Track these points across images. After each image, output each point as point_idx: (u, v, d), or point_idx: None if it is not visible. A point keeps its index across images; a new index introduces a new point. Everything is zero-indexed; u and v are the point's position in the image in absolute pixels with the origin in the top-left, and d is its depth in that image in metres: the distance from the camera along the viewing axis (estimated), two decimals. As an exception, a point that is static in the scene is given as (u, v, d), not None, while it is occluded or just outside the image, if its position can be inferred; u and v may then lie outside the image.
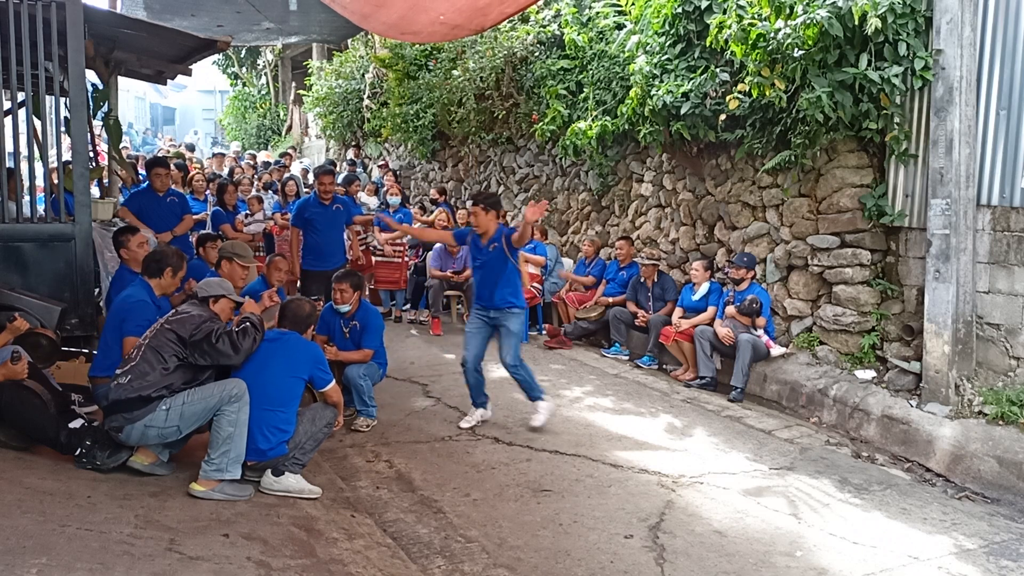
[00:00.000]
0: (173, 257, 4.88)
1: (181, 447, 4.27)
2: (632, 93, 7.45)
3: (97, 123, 8.56)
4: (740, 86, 6.31)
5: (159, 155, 13.23)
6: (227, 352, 4.06)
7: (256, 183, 11.72)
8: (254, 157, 16.11)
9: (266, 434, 4.12)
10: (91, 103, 7.49)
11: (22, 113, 6.48)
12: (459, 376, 7.01)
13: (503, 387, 6.71)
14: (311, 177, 13.02)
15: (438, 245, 9.00)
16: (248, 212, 9.46)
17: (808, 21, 5.56)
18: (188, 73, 9.39)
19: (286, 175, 12.31)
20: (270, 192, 11.21)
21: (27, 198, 5.89)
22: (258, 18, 10.43)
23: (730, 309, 6.78)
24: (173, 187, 7.73)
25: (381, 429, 5.58)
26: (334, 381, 4.53)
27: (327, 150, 16.98)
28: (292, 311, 4.57)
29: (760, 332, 6.63)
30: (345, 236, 7.66)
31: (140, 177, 9.04)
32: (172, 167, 8.61)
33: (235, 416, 4.00)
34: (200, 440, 4.21)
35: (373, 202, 11.28)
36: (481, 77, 10.34)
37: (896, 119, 5.78)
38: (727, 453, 5.32)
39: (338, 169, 13.25)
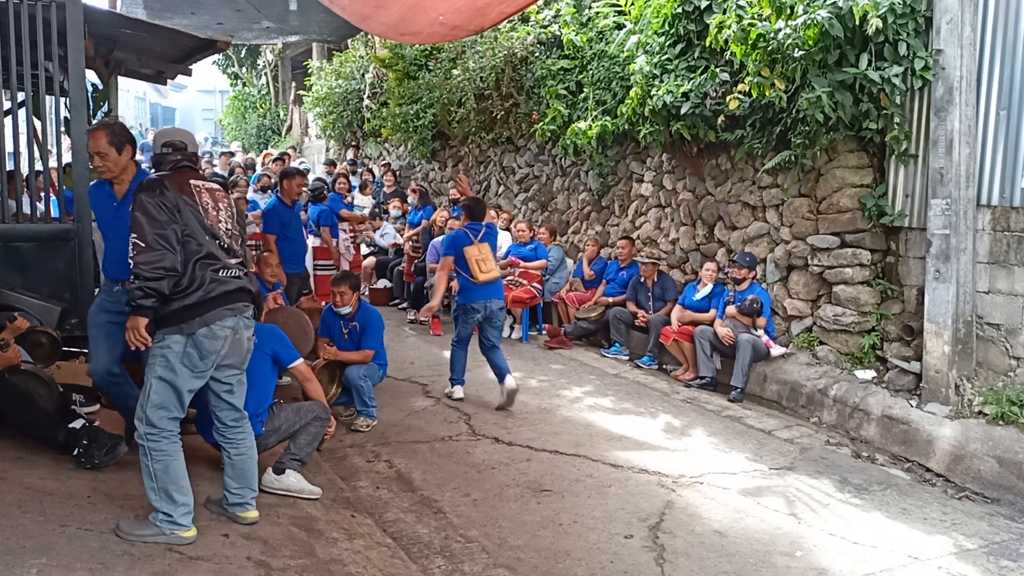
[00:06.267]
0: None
1: None
2: (632, 93, 7.45)
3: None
4: (740, 86, 6.31)
5: None
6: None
7: (254, 185, 11.67)
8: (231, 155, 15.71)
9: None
10: (91, 103, 7.49)
11: (22, 113, 6.48)
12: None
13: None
14: (309, 177, 13.02)
15: (435, 240, 9.02)
16: None
17: (809, 21, 5.55)
18: (188, 73, 9.38)
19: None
20: (268, 192, 11.16)
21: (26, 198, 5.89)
22: (258, 17, 10.45)
23: (730, 309, 6.78)
24: None
25: (381, 429, 5.58)
26: (302, 359, 4.42)
27: (327, 150, 16.98)
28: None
29: (760, 332, 6.63)
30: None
31: None
32: None
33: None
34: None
35: (365, 201, 11.27)
36: (481, 77, 10.33)
37: (896, 119, 5.78)
38: (727, 453, 5.32)
39: (338, 169, 13.25)
